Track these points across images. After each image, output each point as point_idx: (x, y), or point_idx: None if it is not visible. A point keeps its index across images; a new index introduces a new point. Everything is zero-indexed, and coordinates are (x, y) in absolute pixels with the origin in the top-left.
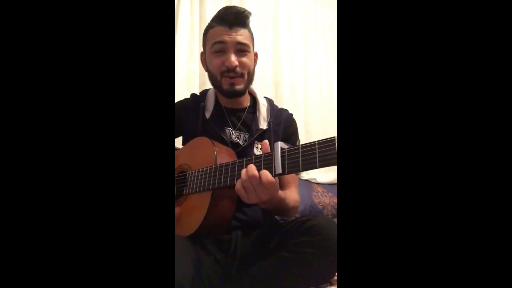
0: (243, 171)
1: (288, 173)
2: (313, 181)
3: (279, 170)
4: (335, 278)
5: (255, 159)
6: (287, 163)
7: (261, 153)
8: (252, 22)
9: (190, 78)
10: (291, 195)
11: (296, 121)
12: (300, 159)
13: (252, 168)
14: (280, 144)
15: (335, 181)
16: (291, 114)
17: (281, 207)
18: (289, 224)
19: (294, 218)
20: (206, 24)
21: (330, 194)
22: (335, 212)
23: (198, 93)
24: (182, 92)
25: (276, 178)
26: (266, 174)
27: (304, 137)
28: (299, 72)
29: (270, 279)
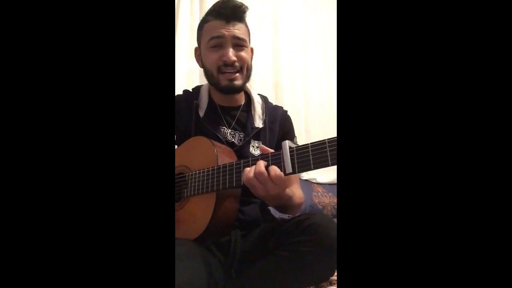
0: (248, 168)
1: (298, 172)
2: (313, 181)
3: (289, 169)
4: (335, 278)
5: (262, 158)
6: (297, 162)
7: (259, 153)
8: (252, 21)
9: (190, 78)
10: (297, 192)
11: (296, 121)
12: (311, 157)
13: (260, 164)
14: (288, 143)
15: (335, 181)
16: (286, 111)
17: (289, 205)
18: (287, 223)
19: (293, 216)
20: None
21: (330, 194)
22: (335, 212)
23: (190, 90)
24: (182, 91)
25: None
26: (275, 169)
27: (304, 137)
28: (299, 72)
29: (269, 279)
